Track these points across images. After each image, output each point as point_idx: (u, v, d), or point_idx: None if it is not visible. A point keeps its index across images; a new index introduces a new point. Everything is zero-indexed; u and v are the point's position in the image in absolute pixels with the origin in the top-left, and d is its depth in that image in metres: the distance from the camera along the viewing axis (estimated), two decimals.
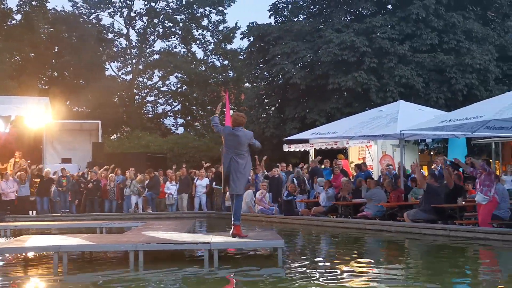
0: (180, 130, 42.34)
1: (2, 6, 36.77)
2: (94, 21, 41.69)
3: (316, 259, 9.64)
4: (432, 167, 19.52)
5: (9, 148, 22.94)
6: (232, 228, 9.29)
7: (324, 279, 7.34)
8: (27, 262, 9.15)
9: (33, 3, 38.32)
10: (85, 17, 41.46)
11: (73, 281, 7.59)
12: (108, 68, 42.73)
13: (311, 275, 7.76)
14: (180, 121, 43.92)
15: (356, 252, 10.55)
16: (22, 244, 9.03)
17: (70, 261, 8.48)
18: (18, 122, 22.16)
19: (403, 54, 24.93)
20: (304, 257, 9.82)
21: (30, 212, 19.48)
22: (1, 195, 19.19)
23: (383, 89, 24.65)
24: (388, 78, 24.73)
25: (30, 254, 9.54)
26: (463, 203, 13.22)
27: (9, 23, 37.37)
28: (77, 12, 40.92)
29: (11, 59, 36.08)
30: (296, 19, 30.29)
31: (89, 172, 20.86)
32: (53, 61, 39.01)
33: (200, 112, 42.90)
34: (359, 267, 8.49)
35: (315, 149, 23.27)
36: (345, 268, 8.28)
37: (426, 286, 7.01)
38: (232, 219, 9.35)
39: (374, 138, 19.00)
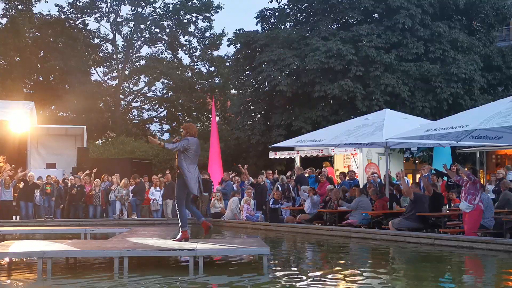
0: (166, 136, 42.25)
1: None
2: (80, 26, 41.54)
3: (301, 267, 9.65)
4: (419, 175, 19.64)
5: None
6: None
7: (308, 285, 7.35)
8: (10, 268, 9.06)
9: (19, 7, 38.12)
10: (72, 21, 41.29)
11: (57, 287, 7.52)
12: (94, 73, 42.58)
13: (296, 282, 7.77)
14: (165, 127, 43.84)
15: (341, 259, 10.58)
16: (6, 250, 8.93)
17: (54, 267, 8.42)
18: (2, 126, 21.99)
19: (389, 63, 25.09)
20: (289, 265, 9.83)
21: (14, 217, 19.30)
22: None
23: (369, 97, 24.77)
24: (374, 87, 24.86)
25: (14, 260, 9.44)
26: (447, 211, 13.31)
27: None
28: (63, 16, 40.73)
29: None
30: (283, 27, 30.38)
31: (71, 178, 20.64)
32: (39, 65, 38.78)
33: (186, 118, 42.77)
34: (344, 274, 8.51)
35: (300, 156, 23.30)
36: (330, 276, 8.30)
37: None
38: (201, 217, 10.01)
39: (359, 146, 19.08)
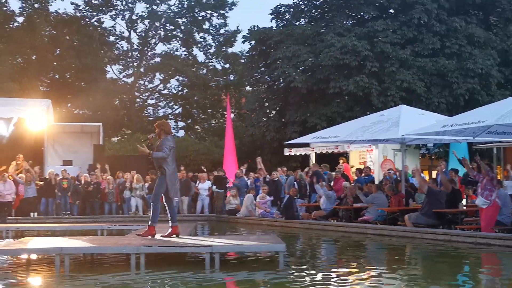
0: (181, 133, 42.35)
1: (5, 8, 36.83)
2: (96, 23, 41.73)
3: (316, 263, 9.64)
4: (435, 172, 19.52)
5: (11, 150, 22.96)
6: (172, 229, 9.77)
7: (324, 284, 7.34)
8: (29, 264, 9.15)
9: (36, 5, 38.36)
10: (87, 19, 41.48)
11: (75, 283, 7.58)
12: (109, 71, 42.79)
13: (312, 279, 7.76)
14: (180, 124, 43.94)
15: (357, 256, 10.56)
16: (24, 246, 9.03)
17: (71, 263, 8.48)
18: (20, 124, 22.17)
19: (404, 59, 24.96)
20: (305, 261, 9.83)
21: (32, 214, 19.49)
22: None
23: (385, 93, 24.68)
24: (389, 83, 24.76)
25: (32, 256, 9.53)
26: (464, 208, 13.22)
27: (11, 25, 37.42)
28: (79, 14, 40.92)
29: (13, 61, 36.09)
30: (297, 23, 30.32)
31: (85, 175, 20.76)
32: (55, 63, 39.02)
33: (201, 115, 42.89)
34: (360, 271, 8.49)
35: (316, 153, 23.27)
36: (346, 273, 8.29)
37: None
38: (173, 221, 9.92)
39: (375, 142, 19.00)
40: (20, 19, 38.00)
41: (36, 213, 19.60)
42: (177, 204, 20.17)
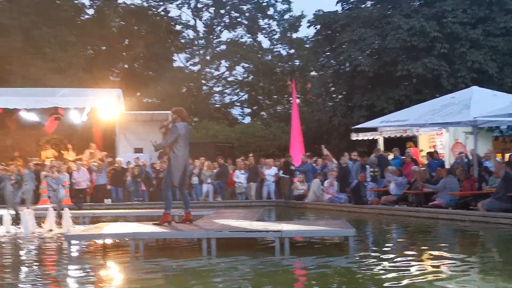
0: (247, 119, 42.63)
1: (76, 1, 37.96)
2: (162, 13, 42.43)
3: (387, 249, 9.53)
4: (508, 155, 18.90)
5: (84, 139, 23.82)
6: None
7: (395, 269, 7.28)
8: (104, 249, 9.49)
9: None
10: (154, 9, 42.22)
11: (149, 267, 7.80)
12: (176, 60, 43.51)
13: (383, 264, 7.70)
14: (247, 110, 44.22)
15: (428, 241, 10.39)
16: (100, 231, 9.37)
17: (145, 247, 8.74)
18: (93, 113, 22.87)
19: (475, 39, 24.17)
20: (375, 246, 9.75)
21: (105, 200, 20.17)
22: (74, 184, 19.91)
23: (455, 75, 24.03)
24: (460, 64, 24.09)
25: (108, 241, 9.88)
26: None
27: (82, 18, 38.56)
28: (146, 5, 41.72)
29: (84, 52, 37.20)
30: (363, 6, 29.82)
31: (157, 162, 21.25)
32: (124, 53, 39.97)
33: (267, 101, 43.02)
34: (431, 257, 8.36)
35: (383, 137, 22.95)
36: (417, 258, 8.18)
37: (502, 278, 6.81)
38: (187, 207, 10.01)
39: (445, 125, 18.55)
40: (91, 11, 39.11)
41: (109, 200, 20.26)
42: (245, 190, 20.50)
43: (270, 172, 20.62)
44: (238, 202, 19.89)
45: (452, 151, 20.80)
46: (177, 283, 6.88)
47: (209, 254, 8.40)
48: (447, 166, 17.73)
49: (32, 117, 23.28)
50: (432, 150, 20.04)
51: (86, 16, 38.88)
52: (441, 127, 19.90)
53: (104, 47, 38.67)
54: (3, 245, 10.43)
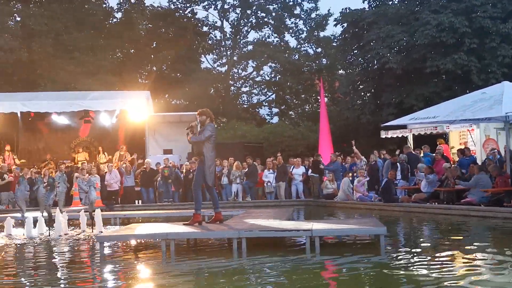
0: (275, 119, 42.64)
1: (104, 5, 38.44)
2: (189, 15, 42.69)
3: (419, 247, 9.42)
4: None
5: (115, 141, 24.09)
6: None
7: (428, 267, 7.20)
8: (136, 249, 9.58)
9: (132, 1, 39.78)
10: (181, 11, 42.54)
11: (181, 267, 7.85)
12: (203, 61, 43.72)
13: (415, 263, 7.61)
14: (274, 110, 44.22)
15: (460, 240, 10.25)
16: (132, 232, 9.46)
17: (176, 248, 8.79)
18: (122, 116, 23.10)
19: (506, 33, 23.81)
20: (406, 245, 9.65)
21: (136, 201, 20.35)
22: (106, 186, 20.14)
23: (485, 70, 23.73)
24: (490, 59, 23.77)
25: (139, 241, 9.97)
26: None
27: (110, 21, 39.02)
28: (173, 7, 42.05)
29: (113, 55, 37.67)
30: (390, 2, 29.63)
31: (187, 164, 21.36)
32: (152, 56, 40.34)
33: (295, 100, 42.98)
34: (465, 255, 8.23)
35: (413, 134, 22.73)
36: (450, 257, 8.07)
37: None
38: (216, 208, 10.03)
39: (476, 121, 18.30)
40: (118, 15, 39.57)
41: (140, 201, 20.44)
42: (274, 189, 20.49)
43: (298, 171, 20.59)
44: (268, 201, 19.90)
45: (483, 147, 20.51)
46: (208, 283, 6.90)
47: (239, 254, 8.41)
48: (478, 162, 17.47)
49: (63, 121, 23.64)
50: (463, 147, 19.78)
51: (114, 20, 39.33)
52: (472, 123, 19.62)
53: (133, 50, 39.09)
54: (37, 247, 10.60)
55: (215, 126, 10.20)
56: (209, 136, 9.77)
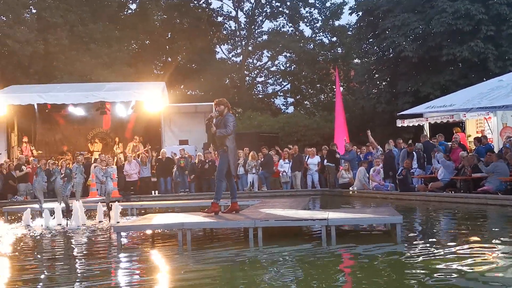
0: (290, 109, 42.59)
1: None
2: (204, 5, 42.65)
3: (436, 236, 9.39)
4: None
5: (131, 132, 24.21)
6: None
7: (445, 257, 7.16)
8: (153, 239, 9.64)
9: None
10: (195, 2, 42.50)
11: (198, 257, 7.89)
12: (218, 52, 43.72)
13: (432, 252, 7.57)
14: (290, 100, 44.15)
15: (478, 228, 10.19)
16: (149, 222, 9.51)
17: (192, 237, 8.83)
18: (138, 107, 23.22)
19: None
20: (423, 234, 9.61)
21: (153, 192, 20.48)
22: (126, 177, 20.33)
23: (502, 57, 23.48)
24: (507, 46, 23.53)
25: (156, 231, 10.03)
26: None
27: (125, 12, 39.11)
28: None
29: (128, 47, 37.78)
30: None
31: (199, 154, 21.41)
32: (167, 47, 40.40)
33: (310, 90, 42.86)
34: (482, 244, 8.19)
35: (429, 123, 22.59)
36: (467, 245, 8.02)
37: None
38: (233, 197, 10.10)
39: (493, 109, 18.14)
40: (133, 6, 39.64)
41: (156, 191, 20.57)
42: (290, 179, 20.50)
43: (313, 161, 20.58)
44: (283, 191, 19.92)
45: (500, 135, 20.35)
46: (225, 272, 6.93)
47: (255, 243, 8.43)
48: (495, 151, 17.34)
49: (79, 112, 23.80)
50: (480, 135, 19.63)
51: (129, 11, 39.41)
52: (489, 111, 19.46)
53: (148, 41, 39.17)
54: (55, 237, 10.71)
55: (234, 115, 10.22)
56: (234, 127, 9.83)
